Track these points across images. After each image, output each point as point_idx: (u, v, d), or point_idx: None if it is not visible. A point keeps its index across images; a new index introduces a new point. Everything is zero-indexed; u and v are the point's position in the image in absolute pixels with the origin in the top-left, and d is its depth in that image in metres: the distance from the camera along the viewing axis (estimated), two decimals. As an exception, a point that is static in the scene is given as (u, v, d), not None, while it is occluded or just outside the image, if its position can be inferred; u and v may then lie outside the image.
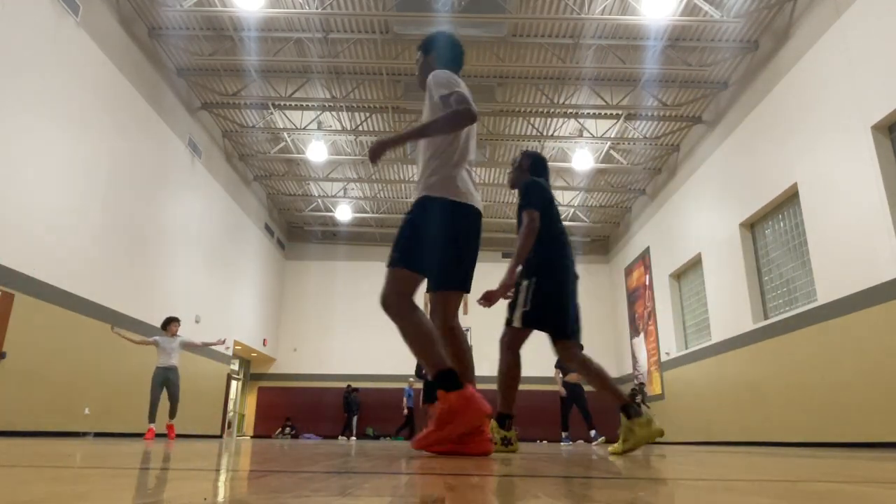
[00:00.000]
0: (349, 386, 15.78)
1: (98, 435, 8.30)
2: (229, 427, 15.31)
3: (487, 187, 15.10)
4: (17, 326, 6.78)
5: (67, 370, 7.75)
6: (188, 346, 8.43)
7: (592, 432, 10.15)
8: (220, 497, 0.89)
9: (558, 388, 10.36)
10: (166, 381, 7.78)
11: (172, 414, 7.87)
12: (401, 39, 9.78)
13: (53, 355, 7.49)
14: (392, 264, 2.54)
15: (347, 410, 15.48)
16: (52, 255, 7.41)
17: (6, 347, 6.62)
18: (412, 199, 2.66)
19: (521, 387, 3.67)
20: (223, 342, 9.02)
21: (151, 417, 7.58)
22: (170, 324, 8.06)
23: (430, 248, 2.53)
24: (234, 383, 16.11)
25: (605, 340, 16.91)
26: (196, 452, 2.70)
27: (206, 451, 2.86)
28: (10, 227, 6.76)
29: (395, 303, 2.51)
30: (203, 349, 9.20)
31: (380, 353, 16.93)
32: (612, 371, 16.00)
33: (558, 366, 10.28)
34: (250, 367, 17.44)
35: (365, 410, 15.89)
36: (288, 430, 16.32)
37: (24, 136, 6.98)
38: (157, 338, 7.98)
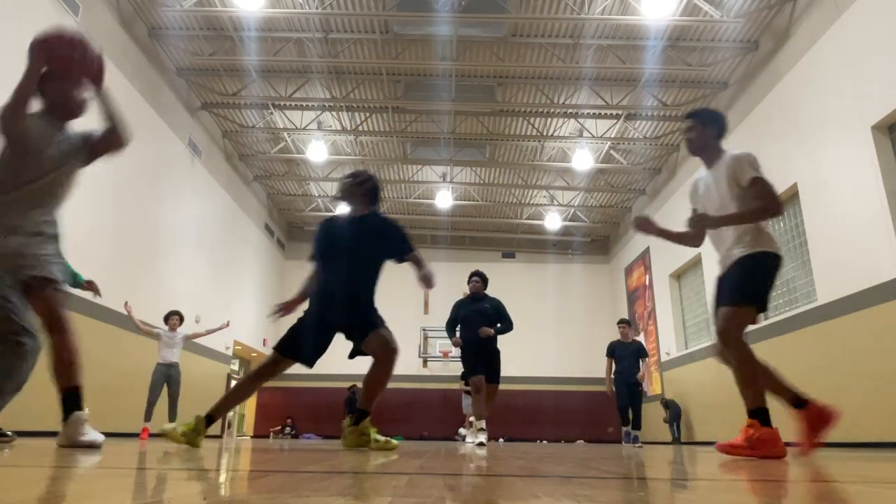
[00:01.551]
0: (354, 385, 15.75)
1: (98, 435, 8.29)
2: (229, 427, 15.31)
3: (487, 187, 15.11)
4: (17, 326, 6.77)
5: (67, 370, 7.73)
6: (193, 338, 8.19)
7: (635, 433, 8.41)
8: (220, 497, 0.89)
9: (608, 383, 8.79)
10: (168, 378, 7.57)
11: (172, 416, 7.50)
12: (401, 39, 9.78)
13: (53, 355, 7.47)
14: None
15: (351, 411, 15.43)
16: (52, 255, 7.40)
17: (6, 347, 6.61)
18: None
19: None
20: (227, 325, 8.85)
21: (148, 416, 7.34)
22: (170, 318, 7.87)
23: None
24: (234, 383, 16.10)
25: (605, 340, 16.88)
26: (196, 452, 2.70)
27: (206, 451, 2.86)
28: (10, 227, 6.76)
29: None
30: (208, 337, 8.96)
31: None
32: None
33: (609, 354, 8.93)
34: (250, 367, 17.44)
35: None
36: (288, 429, 16.31)
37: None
38: (160, 331, 7.74)
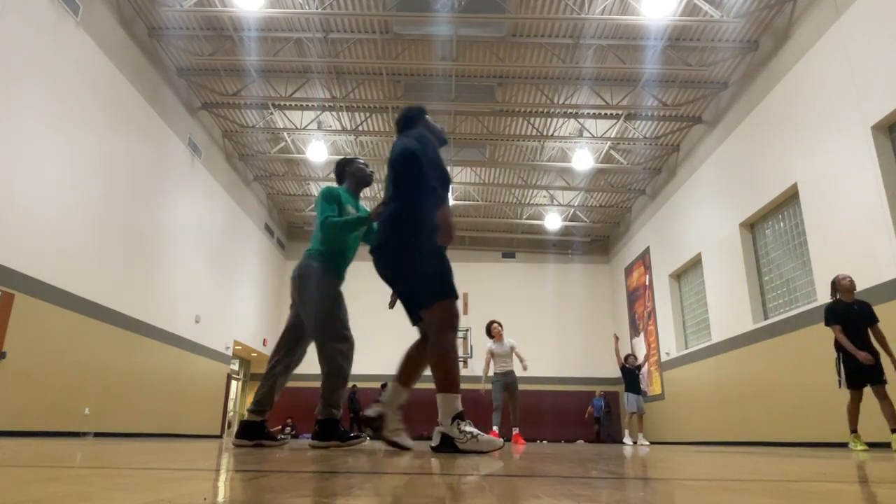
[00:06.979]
0: (354, 386, 15.72)
1: (98, 435, 8.30)
2: (229, 427, 15.31)
3: (487, 187, 15.11)
4: (17, 326, 6.79)
5: (67, 370, 7.75)
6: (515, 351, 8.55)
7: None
8: (220, 497, 0.89)
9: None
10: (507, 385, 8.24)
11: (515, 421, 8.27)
12: (401, 39, 9.78)
13: (53, 355, 7.49)
14: None
15: (353, 410, 15.37)
16: (52, 255, 7.41)
17: (6, 347, 6.62)
18: None
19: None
20: None
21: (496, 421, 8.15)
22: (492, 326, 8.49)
23: None
24: (234, 383, 16.10)
25: (605, 340, 16.92)
26: (196, 452, 2.70)
27: (205, 451, 2.86)
28: (10, 227, 6.76)
29: None
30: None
31: (378, 353, 16.92)
32: (613, 371, 16.01)
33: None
34: (250, 367, 17.44)
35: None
36: (288, 429, 16.30)
37: (25, 137, 6.98)
38: (490, 345, 8.39)
